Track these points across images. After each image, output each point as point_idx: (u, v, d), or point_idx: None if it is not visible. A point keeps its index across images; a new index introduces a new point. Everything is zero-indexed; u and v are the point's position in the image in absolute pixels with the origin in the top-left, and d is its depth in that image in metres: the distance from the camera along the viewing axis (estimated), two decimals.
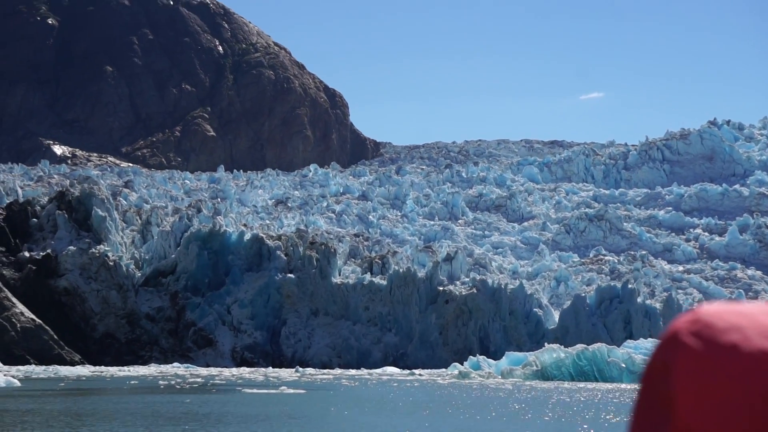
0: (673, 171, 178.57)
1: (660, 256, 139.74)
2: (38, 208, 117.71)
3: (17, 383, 58.39)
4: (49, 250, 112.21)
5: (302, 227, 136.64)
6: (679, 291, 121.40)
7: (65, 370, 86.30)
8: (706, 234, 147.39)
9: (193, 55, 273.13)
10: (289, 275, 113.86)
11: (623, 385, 71.78)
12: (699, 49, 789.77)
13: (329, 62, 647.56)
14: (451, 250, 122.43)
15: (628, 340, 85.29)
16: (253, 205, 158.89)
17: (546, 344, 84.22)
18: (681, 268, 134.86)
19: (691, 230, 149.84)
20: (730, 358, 1.96)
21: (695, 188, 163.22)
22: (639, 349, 79.05)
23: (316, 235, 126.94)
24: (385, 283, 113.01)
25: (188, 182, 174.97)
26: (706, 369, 1.97)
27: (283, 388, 58.14)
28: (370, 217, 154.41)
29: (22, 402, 43.34)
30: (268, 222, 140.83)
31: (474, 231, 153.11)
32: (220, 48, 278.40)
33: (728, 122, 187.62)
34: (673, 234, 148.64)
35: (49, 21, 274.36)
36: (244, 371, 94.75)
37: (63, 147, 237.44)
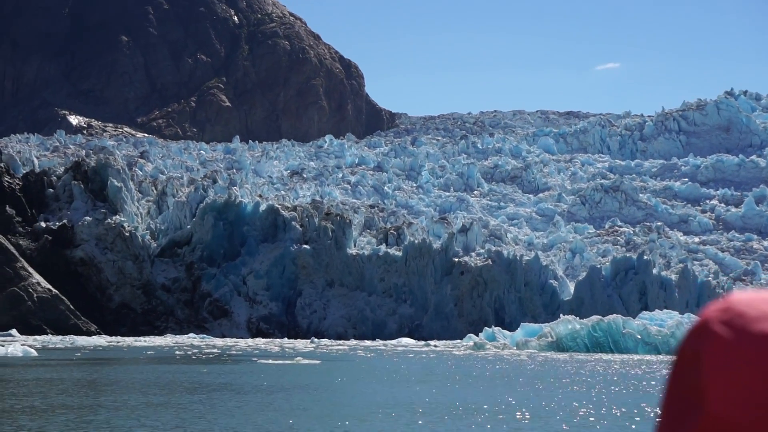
0: (690, 142, 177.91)
1: (676, 227, 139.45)
2: (54, 178, 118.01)
3: (34, 353, 58.67)
4: (65, 221, 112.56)
5: (317, 198, 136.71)
6: (695, 262, 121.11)
7: (82, 340, 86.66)
8: (722, 205, 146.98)
9: (209, 25, 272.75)
10: (305, 246, 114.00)
11: (638, 356, 71.78)
12: (716, 18, 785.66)
13: (345, 33, 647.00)
14: (467, 221, 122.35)
15: (644, 312, 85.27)
16: (269, 175, 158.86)
17: (561, 315, 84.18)
18: (697, 240, 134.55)
19: (707, 201, 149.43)
20: (762, 348, 1.94)
21: (711, 159, 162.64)
22: (654, 321, 79.03)
23: (332, 206, 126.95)
24: (400, 254, 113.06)
25: (203, 153, 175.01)
26: (736, 358, 1.95)
27: (298, 358, 58.29)
28: (386, 188, 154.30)
29: (40, 371, 43.55)
30: (283, 193, 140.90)
31: (489, 202, 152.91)
32: (236, 18, 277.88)
33: (745, 92, 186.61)
34: (689, 205, 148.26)
35: None
36: (260, 342, 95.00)
37: (79, 117, 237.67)
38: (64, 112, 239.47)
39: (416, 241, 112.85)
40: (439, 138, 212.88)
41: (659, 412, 2.08)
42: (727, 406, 1.93)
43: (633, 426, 26.29)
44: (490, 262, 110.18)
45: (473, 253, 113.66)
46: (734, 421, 1.92)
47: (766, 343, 1.94)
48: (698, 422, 1.96)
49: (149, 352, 67.16)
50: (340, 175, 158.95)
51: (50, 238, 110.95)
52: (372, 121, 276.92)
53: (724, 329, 1.98)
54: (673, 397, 2.04)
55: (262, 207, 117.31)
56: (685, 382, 2.01)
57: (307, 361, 55.66)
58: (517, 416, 27.89)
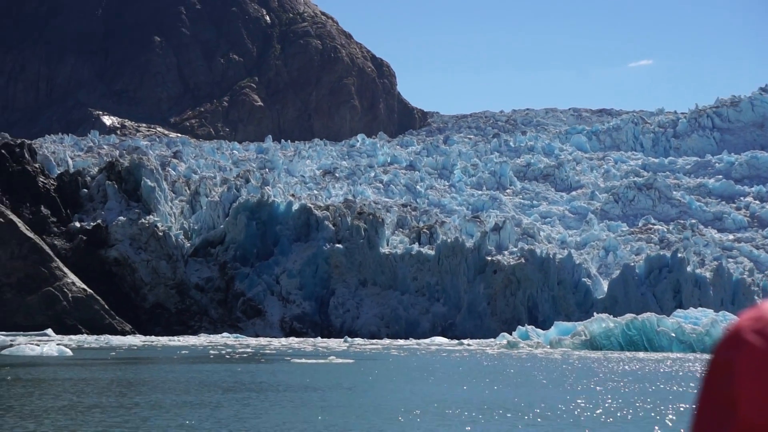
0: (724, 138, 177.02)
1: (710, 225, 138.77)
2: (88, 178, 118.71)
3: (69, 352, 59.01)
4: (99, 221, 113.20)
5: (350, 197, 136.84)
6: (730, 260, 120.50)
7: (117, 340, 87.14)
8: (757, 202, 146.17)
9: (241, 25, 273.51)
10: (338, 245, 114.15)
11: (673, 355, 71.48)
12: (749, 14, 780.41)
13: (376, 32, 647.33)
14: (499, 219, 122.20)
15: (678, 310, 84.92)
16: (301, 175, 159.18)
17: (595, 314, 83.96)
18: (731, 237, 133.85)
19: (742, 198, 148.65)
20: None
21: (746, 156, 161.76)
22: (689, 319, 78.68)
23: (364, 205, 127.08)
24: (433, 253, 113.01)
25: (236, 152, 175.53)
26: None
27: (331, 357, 58.38)
28: (418, 187, 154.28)
29: (75, 371, 43.83)
30: (315, 192, 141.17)
31: (522, 200, 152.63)
32: (267, 17, 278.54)
33: None
34: (723, 202, 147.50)
35: None
36: (293, 341, 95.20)
37: (112, 117, 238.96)
38: (97, 112, 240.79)
39: (449, 240, 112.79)
40: (472, 136, 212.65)
41: (692, 420, 2.07)
42: (759, 414, 1.91)
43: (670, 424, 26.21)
44: (523, 260, 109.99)
45: (506, 252, 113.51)
46: (767, 429, 1.91)
47: None
48: (731, 431, 1.95)
49: (184, 352, 67.44)
50: (373, 174, 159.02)
51: (85, 238, 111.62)
52: (404, 119, 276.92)
53: (757, 338, 1.97)
54: (705, 405, 2.03)
55: (295, 206, 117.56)
56: (718, 390, 1.99)
57: (340, 361, 55.75)
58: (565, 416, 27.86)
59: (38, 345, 61.67)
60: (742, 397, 1.93)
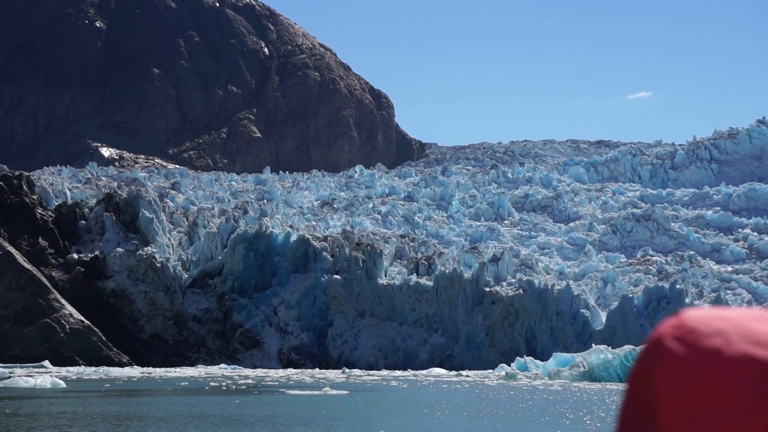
0: (722, 170, 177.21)
1: (708, 257, 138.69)
2: (86, 210, 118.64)
3: (63, 384, 58.75)
4: (97, 252, 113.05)
5: (348, 228, 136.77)
6: (728, 291, 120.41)
7: (116, 371, 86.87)
8: (755, 234, 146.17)
9: (239, 57, 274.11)
10: (336, 276, 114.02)
11: None
12: (747, 46, 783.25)
13: (375, 63, 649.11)
14: (497, 250, 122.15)
15: None
16: (299, 206, 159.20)
17: (593, 345, 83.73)
18: (730, 269, 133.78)
19: (740, 230, 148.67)
20: (713, 363, 1.95)
21: (744, 188, 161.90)
22: None
23: (362, 236, 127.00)
24: (431, 284, 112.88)
25: (234, 184, 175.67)
26: (688, 374, 1.96)
27: (326, 389, 58.18)
28: (416, 218, 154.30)
29: (67, 404, 43.58)
30: (314, 223, 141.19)
31: (520, 231, 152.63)
32: (266, 50, 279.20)
33: None
34: (722, 234, 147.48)
35: (97, 24, 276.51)
36: (291, 372, 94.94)
37: (110, 149, 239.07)
38: (96, 144, 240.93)
39: (447, 271, 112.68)
40: (470, 168, 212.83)
41: (615, 428, 2.08)
42: (679, 422, 1.93)
43: None
44: (521, 291, 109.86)
45: (504, 283, 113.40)
46: None
47: (717, 359, 1.95)
48: None
49: (183, 383, 67.22)
50: (371, 205, 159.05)
51: (82, 269, 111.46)
52: (402, 151, 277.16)
53: (677, 345, 1.99)
54: (627, 414, 2.03)
55: (293, 237, 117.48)
56: (640, 398, 2.00)
57: (335, 392, 55.55)
58: None
59: (32, 377, 61.42)
60: (662, 404, 1.95)
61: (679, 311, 2.09)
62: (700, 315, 2.06)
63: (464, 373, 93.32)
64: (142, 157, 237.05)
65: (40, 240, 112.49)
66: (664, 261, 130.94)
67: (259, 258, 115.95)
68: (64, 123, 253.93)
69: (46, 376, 61.20)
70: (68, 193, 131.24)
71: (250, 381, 72.56)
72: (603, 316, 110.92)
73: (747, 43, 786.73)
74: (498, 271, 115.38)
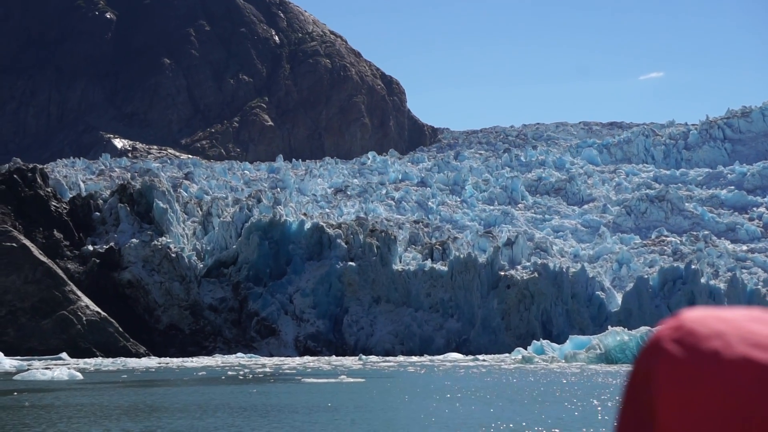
0: (735, 149, 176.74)
1: (723, 236, 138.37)
2: (100, 201, 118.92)
3: (80, 376, 58.94)
4: (112, 243, 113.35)
5: (362, 215, 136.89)
6: (744, 270, 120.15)
7: (133, 362, 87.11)
8: None
9: (250, 46, 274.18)
10: (350, 263, 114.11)
11: None
12: (759, 25, 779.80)
13: (385, 49, 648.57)
14: (512, 234, 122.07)
15: None
16: (313, 194, 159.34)
17: (609, 327, 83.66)
18: (745, 248, 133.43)
19: (755, 209, 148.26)
20: (712, 366, 1.95)
21: (758, 166, 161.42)
22: None
23: (376, 222, 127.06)
24: (446, 269, 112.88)
25: (247, 172, 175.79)
26: (687, 376, 1.96)
27: (342, 376, 58.24)
28: (430, 203, 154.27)
29: (88, 395, 43.75)
30: (327, 210, 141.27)
31: (534, 215, 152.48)
32: (277, 38, 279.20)
33: None
34: (736, 213, 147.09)
35: (108, 15, 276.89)
36: (308, 360, 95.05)
37: (123, 140, 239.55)
38: (108, 135, 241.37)
39: (461, 256, 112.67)
40: (482, 152, 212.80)
41: (614, 430, 2.08)
42: (677, 424, 1.93)
43: None
44: (536, 274, 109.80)
45: (519, 267, 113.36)
46: None
47: (715, 361, 1.95)
48: None
49: (201, 373, 67.38)
50: (384, 192, 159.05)
51: (98, 261, 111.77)
52: (414, 136, 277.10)
53: (675, 347, 1.99)
54: (626, 416, 2.04)
55: (307, 225, 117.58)
56: (638, 399, 2.00)
57: (351, 380, 55.62)
58: None
59: (49, 369, 61.68)
60: (660, 407, 1.95)
61: (678, 312, 2.09)
62: (698, 316, 2.05)
63: (480, 357, 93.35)
64: (155, 147, 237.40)
65: (55, 232, 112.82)
66: (678, 241, 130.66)
67: (274, 246, 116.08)
68: (76, 115, 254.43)
69: (63, 368, 61.39)
70: (82, 185, 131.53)
71: (267, 369, 72.71)
72: (618, 298, 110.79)
73: (759, 22, 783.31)
74: (512, 254, 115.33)
